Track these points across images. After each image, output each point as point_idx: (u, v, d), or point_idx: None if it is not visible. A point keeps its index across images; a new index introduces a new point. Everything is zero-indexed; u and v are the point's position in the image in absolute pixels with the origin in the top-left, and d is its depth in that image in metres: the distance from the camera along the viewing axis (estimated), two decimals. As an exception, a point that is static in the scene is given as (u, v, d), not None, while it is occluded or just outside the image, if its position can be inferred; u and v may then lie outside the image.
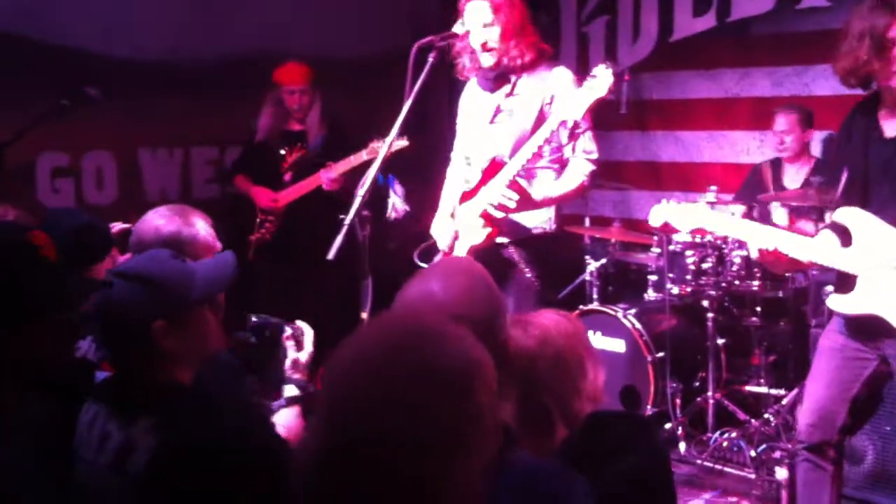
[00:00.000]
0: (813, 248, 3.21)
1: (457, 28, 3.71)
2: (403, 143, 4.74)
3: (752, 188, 5.40)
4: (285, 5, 6.13)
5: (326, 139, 5.44)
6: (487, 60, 3.73)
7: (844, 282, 3.18)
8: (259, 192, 5.44)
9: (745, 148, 6.16)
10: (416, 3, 6.97)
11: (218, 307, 2.33)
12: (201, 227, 2.85)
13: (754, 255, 3.29)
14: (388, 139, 3.58)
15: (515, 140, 3.71)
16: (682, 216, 3.47)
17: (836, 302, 3.20)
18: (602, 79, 3.43)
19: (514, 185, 3.59)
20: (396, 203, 5.66)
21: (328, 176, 5.10)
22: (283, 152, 5.45)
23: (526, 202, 3.61)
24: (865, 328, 3.17)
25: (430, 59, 3.52)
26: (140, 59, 5.67)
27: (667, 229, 4.11)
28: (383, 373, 1.41)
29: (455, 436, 1.41)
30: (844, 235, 3.20)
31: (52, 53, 5.33)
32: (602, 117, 3.83)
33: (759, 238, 3.23)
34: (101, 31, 5.51)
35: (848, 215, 3.17)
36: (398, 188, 5.63)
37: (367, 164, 4.77)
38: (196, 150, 6.08)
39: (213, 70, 5.95)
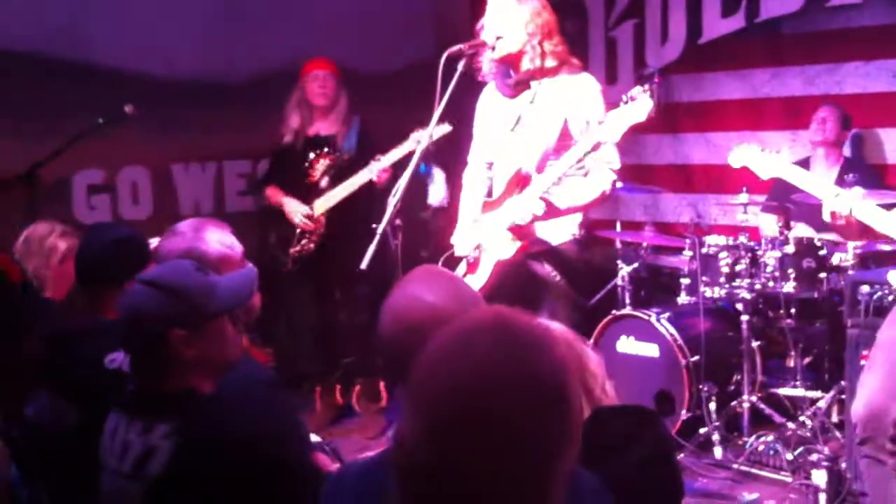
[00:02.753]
0: (889, 221, 3.18)
1: (485, 37, 3.71)
2: (447, 128, 4.72)
3: (783, 190, 5.36)
4: (316, 19, 6.19)
5: (359, 140, 5.39)
6: (498, 52, 3.66)
7: None
8: (293, 213, 5.33)
9: (777, 148, 6.06)
10: (445, 14, 7.01)
11: (237, 319, 2.37)
12: (213, 242, 2.82)
13: (826, 217, 3.27)
14: (420, 144, 3.60)
15: (540, 152, 3.68)
16: (762, 162, 3.56)
17: None
18: (642, 103, 3.34)
19: (543, 198, 3.55)
20: (437, 189, 5.69)
21: (380, 168, 5.03)
22: (311, 156, 5.37)
23: (552, 212, 3.59)
24: None
25: (459, 68, 3.53)
26: (172, 76, 5.76)
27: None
28: (492, 379, 1.39)
29: (558, 440, 1.42)
30: None
31: (86, 72, 5.43)
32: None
33: (834, 198, 3.21)
34: (134, 48, 5.60)
35: None
36: (438, 173, 5.64)
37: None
38: (228, 163, 6.15)
39: (244, 85, 6.03)
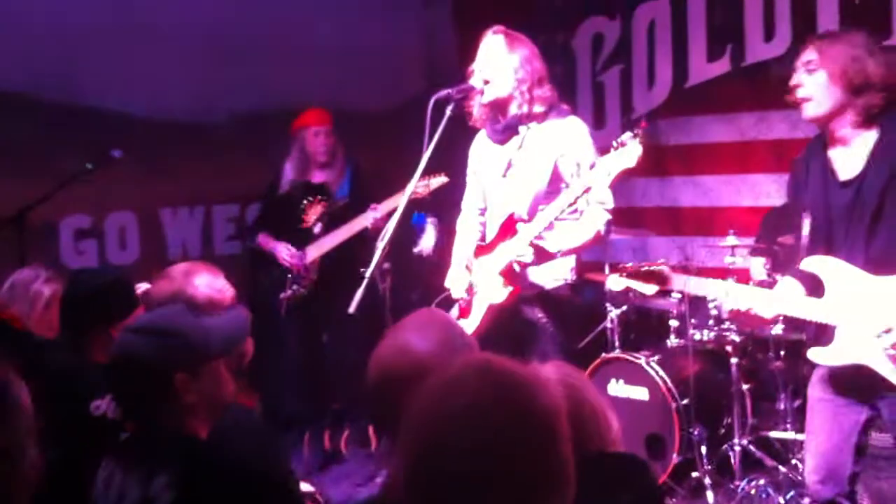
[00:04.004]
0: (782, 301, 3.17)
1: (473, 81, 3.74)
2: (443, 179, 4.75)
3: (770, 232, 5.38)
4: (303, 62, 6.22)
5: (352, 185, 5.43)
6: (486, 97, 3.71)
7: (822, 333, 3.11)
8: (284, 256, 5.32)
9: (765, 191, 6.15)
10: (433, 56, 7.06)
11: (236, 360, 2.36)
12: (201, 286, 2.84)
13: (725, 314, 3.27)
14: (409, 188, 3.61)
15: (531, 196, 3.70)
16: (644, 280, 3.48)
17: (818, 354, 3.12)
18: (631, 149, 3.36)
19: (533, 245, 3.57)
20: (427, 238, 5.68)
21: (376, 217, 5.04)
22: (304, 204, 5.40)
23: (542, 257, 3.60)
24: (850, 378, 3.10)
25: (448, 112, 3.55)
26: (160, 119, 5.77)
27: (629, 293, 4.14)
28: (478, 420, 1.39)
29: (544, 480, 1.40)
30: (815, 284, 3.13)
31: (75, 114, 5.43)
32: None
33: (725, 295, 3.23)
34: (123, 91, 5.61)
35: (819, 264, 3.11)
36: (432, 222, 5.63)
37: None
38: (217, 207, 6.15)
39: (232, 128, 6.05)
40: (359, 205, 5.22)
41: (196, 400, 2.20)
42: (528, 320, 3.75)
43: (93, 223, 5.61)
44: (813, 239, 3.18)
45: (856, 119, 3.07)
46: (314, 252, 5.30)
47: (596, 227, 3.69)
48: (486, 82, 3.70)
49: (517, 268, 3.61)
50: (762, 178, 6.18)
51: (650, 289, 3.46)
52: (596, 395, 2.21)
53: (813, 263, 3.13)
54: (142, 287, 3.16)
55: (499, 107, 3.78)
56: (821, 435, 3.24)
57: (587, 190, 3.47)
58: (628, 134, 3.37)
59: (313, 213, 5.39)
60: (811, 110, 3.13)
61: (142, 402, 2.23)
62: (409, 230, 5.48)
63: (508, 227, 3.67)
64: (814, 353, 3.14)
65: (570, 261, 3.82)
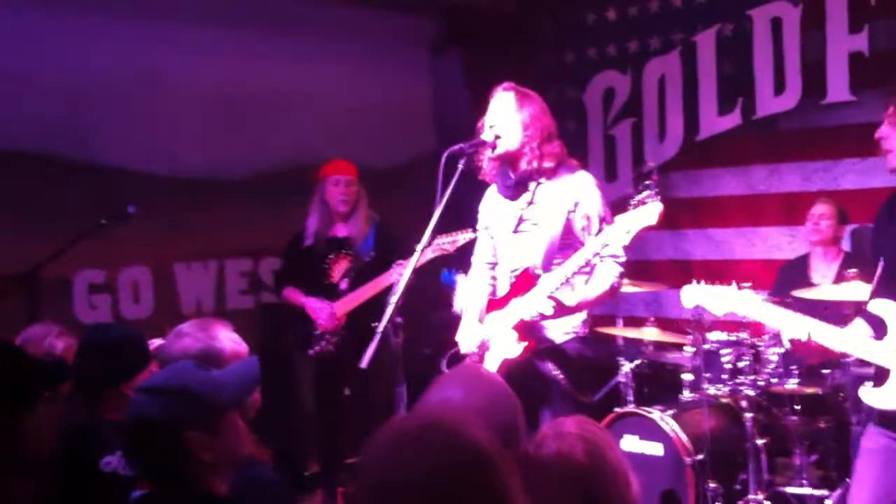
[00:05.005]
0: (846, 338, 3.17)
1: (485, 136, 3.77)
2: (470, 234, 4.72)
3: (784, 285, 5.36)
4: (316, 119, 6.28)
5: (377, 241, 5.39)
6: (497, 151, 3.74)
7: (880, 375, 3.11)
8: (316, 310, 5.26)
9: (777, 244, 6.15)
10: (443, 113, 7.12)
11: (246, 411, 2.36)
12: (225, 340, 2.85)
13: (786, 344, 3.26)
14: (420, 245, 3.61)
15: (544, 251, 3.71)
16: (715, 299, 3.47)
17: (870, 395, 3.13)
18: (652, 208, 3.40)
19: (552, 297, 3.58)
20: (462, 296, 5.66)
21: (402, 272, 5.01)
22: (329, 259, 5.35)
23: (561, 311, 3.60)
24: None
25: (460, 166, 3.58)
26: (174, 174, 5.82)
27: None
28: (415, 472, 1.43)
29: None
30: (880, 327, 3.14)
31: (88, 171, 5.48)
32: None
33: (791, 326, 3.21)
34: (136, 148, 5.68)
35: (884, 307, 3.12)
36: (462, 279, 5.61)
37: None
38: (230, 261, 6.16)
39: (245, 183, 6.09)
40: (384, 259, 5.19)
41: (213, 456, 2.19)
42: (539, 375, 3.73)
43: (106, 278, 5.63)
44: (882, 282, 3.19)
45: None
46: (341, 308, 5.26)
47: (610, 280, 3.70)
48: (497, 137, 3.73)
49: (535, 318, 3.60)
50: (774, 231, 6.18)
51: (720, 309, 3.46)
52: (617, 452, 2.20)
53: (878, 306, 3.15)
54: (155, 343, 3.16)
55: (509, 161, 3.80)
56: (864, 486, 3.21)
57: (605, 246, 3.49)
58: (647, 192, 3.39)
59: (339, 269, 5.35)
60: (893, 161, 3.18)
61: (160, 463, 2.21)
62: (432, 286, 5.45)
63: (523, 282, 3.68)
64: (864, 393, 3.15)
65: (582, 314, 3.82)
